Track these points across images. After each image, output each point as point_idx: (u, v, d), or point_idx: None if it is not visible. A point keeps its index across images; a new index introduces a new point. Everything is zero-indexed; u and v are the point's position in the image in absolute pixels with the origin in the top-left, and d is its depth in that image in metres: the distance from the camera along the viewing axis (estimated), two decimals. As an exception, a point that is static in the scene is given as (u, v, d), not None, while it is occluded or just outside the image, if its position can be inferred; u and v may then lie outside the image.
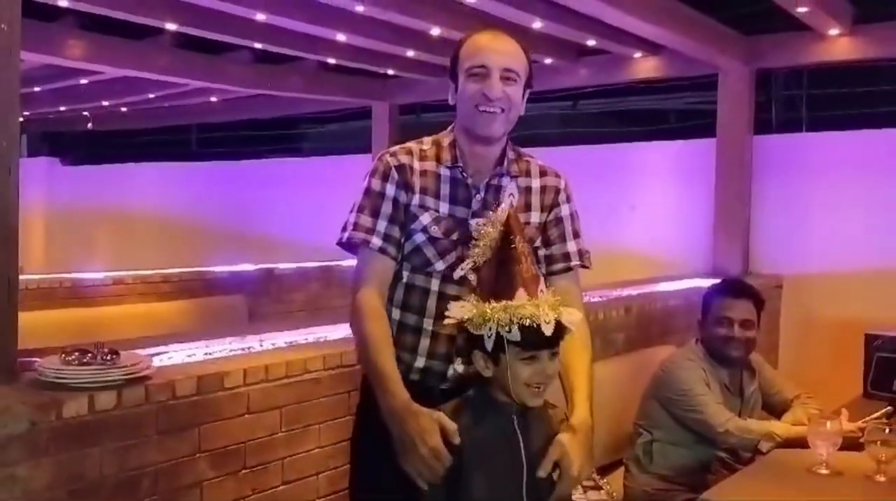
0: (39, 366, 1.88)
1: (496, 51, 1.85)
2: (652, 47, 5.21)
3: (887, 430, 2.29)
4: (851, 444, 2.38)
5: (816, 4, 4.31)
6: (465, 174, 1.86)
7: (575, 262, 1.93)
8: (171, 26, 4.88)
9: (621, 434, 3.09)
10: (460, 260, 1.82)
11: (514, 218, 1.72)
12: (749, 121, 5.21)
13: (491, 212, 1.81)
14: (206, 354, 2.32)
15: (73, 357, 1.89)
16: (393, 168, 1.86)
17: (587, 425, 1.75)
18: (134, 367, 1.91)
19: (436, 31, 4.76)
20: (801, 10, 4.31)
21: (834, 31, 4.74)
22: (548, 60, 5.59)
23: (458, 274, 1.81)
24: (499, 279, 1.65)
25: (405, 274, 1.85)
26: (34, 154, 10.02)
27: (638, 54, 5.41)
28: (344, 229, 1.87)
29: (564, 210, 1.95)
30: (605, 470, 3.10)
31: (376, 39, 5.07)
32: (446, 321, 1.71)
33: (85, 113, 8.34)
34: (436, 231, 1.83)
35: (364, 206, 1.86)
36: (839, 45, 4.84)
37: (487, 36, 1.89)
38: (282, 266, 6.15)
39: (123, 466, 1.88)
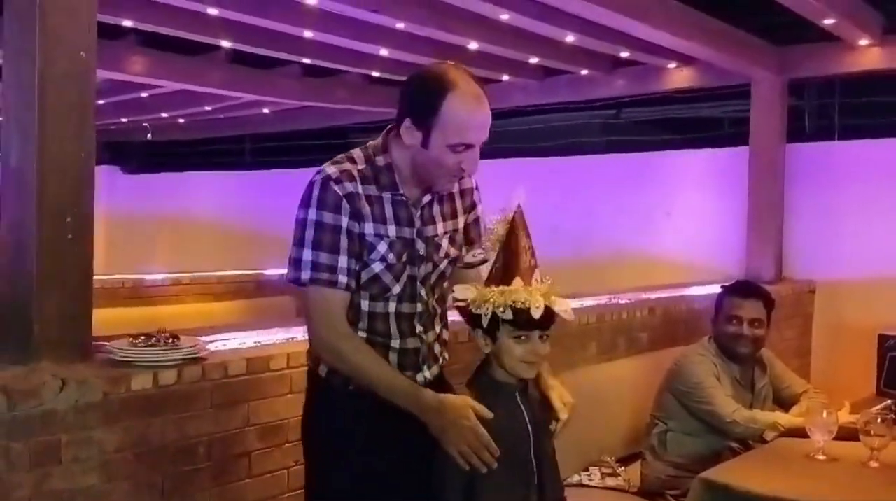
0: (110, 347, 2.16)
1: (482, 126, 1.83)
2: (685, 58, 5.33)
3: (880, 420, 2.45)
4: (851, 436, 2.53)
5: (844, 16, 4.41)
6: (405, 197, 1.89)
7: (487, 243, 1.96)
8: (225, 44, 5.21)
9: (641, 427, 3.27)
10: (410, 278, 1.90)
11: (520, 216, 1.88)
12: (781, 130, 5.30)
13: (495, 217, 1.91)
14: (255, 342, 2.58)
15: (140, 340, 2.17)
16: (343, 198, 1.81)
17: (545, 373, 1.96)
18: (192, 349, 2.19)
19: (473, 46, 4.98)
20: (829, 21, 4.43)
21: (864, 42, 4.83)
22: (583, 71, 5.78)
23: (468, 259, 1.99)
24: (503, 271, 1.86)
25: (364, 302, 1.88)
26: (96, 163, 10.47)
27: (672, 65, 5.53)
28: (298, 267, 1.83)
29: (479, 209, 2.06)
30: (626, 460, 3.29)
31: (417, 54, 5.32)
32: (452, 302, 1.91)
33: (145, 124, 8.77)
34: (392, 258, 1.87)
35: (320, 242, 1.81)
36: (870, 54, 4.91)
37: (471, 103, 1.81)
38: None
39: (182, 434, 2.14)
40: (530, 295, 1.80)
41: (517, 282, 1.81)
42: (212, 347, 2.36)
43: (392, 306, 1.91)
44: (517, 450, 1.87)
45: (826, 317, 5.23)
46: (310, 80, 6.54)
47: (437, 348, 2.04)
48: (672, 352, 3.63)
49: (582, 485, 3.04)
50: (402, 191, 1.89)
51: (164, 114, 7.76)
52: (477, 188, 2.08)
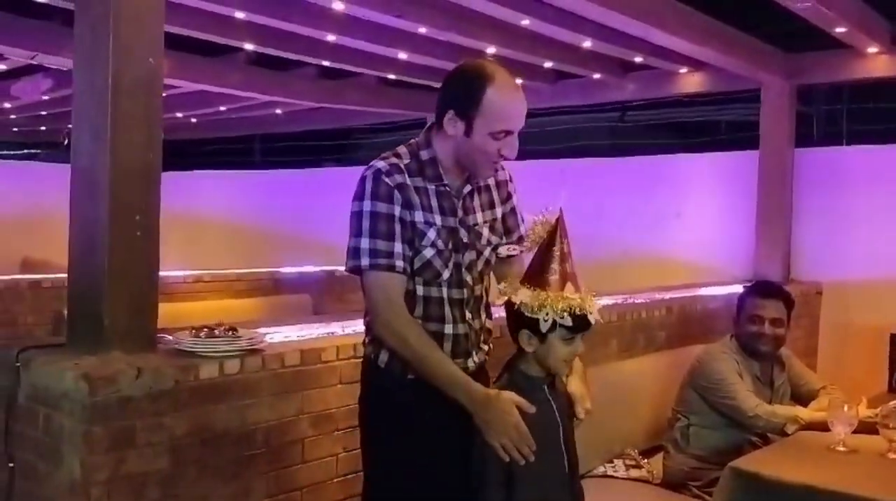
0: (174, 338, 2.28)
1: (521, 114, 1.97)
2: (696, 63, 5.44)
3: (900, 413, 2.58)
4: (869, 430, 2.66)
5: (854, 25, 4.54)
6: (448, 187, 2.02)
7: (527, 243, 2.09)
8: (248, 46, 5.31)
9: (662, 421, 3.38)
10: (456, 265, 2.01)
11: (562, 221, 1.99)
12: (790, 135, 5.42)
13: (535, 217, 2.04)
14: (298, 336, 2.69)
15: (203, 332, 2.29)
16: (395, 189, 1.94)
17: (580, 367, 2.11)
18: (252, 340, 2.31)
19: (491, 50, 5.09)
20: (840, 29, 4.56)
21: (873, 49, 4.95)
22: (596, 76, 5.89)
23: (503, 251, 2.11)
24: (539, 273, 1.96)
25: (419, 288, 1.99)
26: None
27: (683, 70, 5.64)
28: (357, 256, 1.94)
29: (515, 199, 2.18)
30: (647, 453, 3.41)
31: (433, 57, 5.42)
32: (498, 301, 2.03)
33: (158, 124, 8.84)
34: (440, 244, 1.98)
35: (376, 231, 1.92)
36: (878, 62, 5.03)
37: (510, 92, 1.95)
38: (342, 268, 6.52)
39: (243, 421, 2.26)
40: (584, 301, 1.92)
41: (569, 288, 1.93)
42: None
43: (445, 291, 2.02)
44: (549, 441, 1.99)
45: (833, 318, 5.35)
46: (324, 82, 6.64)
47: (483, 336, 2.15)
48: (689, 350, 3.74)
49: (607, 476, 3.16)
50: (445, 182, 2.01)
51: (178, 115, 7.85)
52: (511, 180, 2.21)
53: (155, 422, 2.07)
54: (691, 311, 4.28)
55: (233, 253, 8.35)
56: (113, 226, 2.18)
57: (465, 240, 2.05)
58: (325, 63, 5.78)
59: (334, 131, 8.72)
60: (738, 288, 3.43)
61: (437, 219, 1.99)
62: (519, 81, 2.12)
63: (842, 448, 2.59)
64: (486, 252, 2.12)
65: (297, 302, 5.89)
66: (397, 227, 1.95)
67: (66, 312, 2.30)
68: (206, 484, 2.20)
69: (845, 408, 2.63)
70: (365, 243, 1.94)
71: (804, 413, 3.00)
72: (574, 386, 2.06)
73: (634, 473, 3.24)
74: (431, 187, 2.00)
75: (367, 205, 1.95)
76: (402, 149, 2.03)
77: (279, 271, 6.22)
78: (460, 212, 2.04)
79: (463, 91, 1.96)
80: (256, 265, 6.50)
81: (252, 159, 9.91)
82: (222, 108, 7.50)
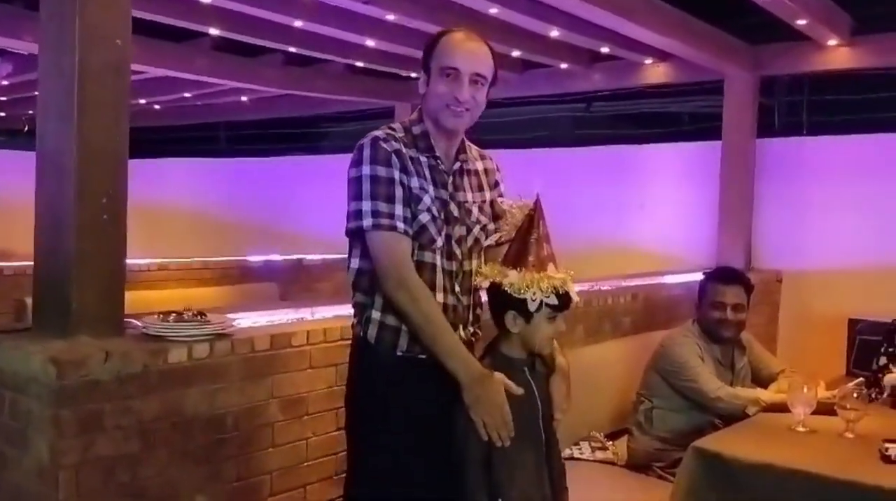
0: (142, 323, 2.27)
1: (468, 54, 2.02)
2: (662, 54, 5.52)
3: (856, 395, 2.66)
4: (827, 411, 2.73)
5: (815, 17, 4.63)
6: (439, 160, 2.08)
7: (506, 227, 2.15)
8: (214, 31, 5.25)
9: (627, 404, 3.44)
10: (447, 236, 2.06)
11: (540, 204, 2.03)
12: (753, 125, 5.51)
13: (507, 199, 2.12)
14: (268, 321, 2.69)
15: (171, 316, 2.28)
16: (393, 154, 1.99)
17: (565, 366, 2.13)
18: (221, 324, 2.31)
19: (461, 38, 5.11)
20: (801, 22, 4.65)
21: (833, 42, 5.05)
22: (563, 65, 5.94)
23: (487, 243, 2.14)
24: (517, 255, 2.00)
25: (415, 252, 2.02)
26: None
27: (648, 60, 5.71)
28: (359, 217, 1.97)
29: (502, 188, 2.24)
30: (613, 436, 3.47)
31: (403, 45, 5.41)
32: (483, 284, 2.05)
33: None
34: (435, 211, 2.03)
35: (377, 193, 1.96)
36: (838, 54, 5.14)
37: (461, 37, 2.05)
38: (309, 256, 6.55)
39: (213, 405, 2.27)
40: (566, 282, 1.96)
41: (552, 268, 1.97)
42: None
43: (438, 259, 2.06)
44: (528, 421, 2.03)
45: (792, 305, 5.47)
46: (292, 69, 6.59)
47: (470, 315, 2.16)
48: (653, 335, 3.81)
49: (573, 458, 3.21)
50: (437, 154, 2.07)
51: (142, 101, 7.74)
52: (499, 170, 2.27)
53: (124, 406, 2.06)
54: (655, 298, 4.35)
55: (198, 242, 8.27)
56: (79, 210, 2.16)
57: (456, 214, 2.09)
58: (292, 49, 5.74)
59: (301, 119, 8.66)
60: (700, 276, 3.49)
61: (431, 190, 2.05)
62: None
63: (801, 429, 2.67)
64: (476, 230, 2.15)
65: (264, 290, 5.85)
66: (398, 191, 1.99)
67: (28, 300, 2.28)
68: (175, 468, 2.20)
69: (804, 390, 2.70)
70: (366, 205, 1.97)
71: (765, 395, 3.07)
72: (554, 388, 2.09)
73: (600, 455, 3.30)
74: (424, 159, 2.06)
75: (366, 170, 1.99)
76: (395, 125, 2.10)
77: (246, 260, 6.18)
78: (451, 187, 2.09)
79: (426, 49, 2.08)
80: (223, 254, 6.44)
81: (217, 147, 9.80)
82: (187, 95, 7.42)
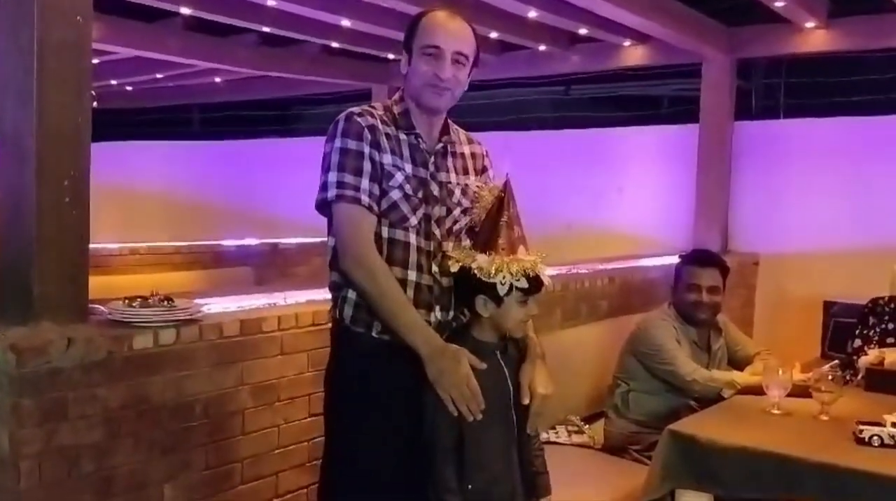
0: (107, 308, 2.21)
1: (450, 33, 2.01)
2: (640, 36, 5.49)
3: (831, 377, 2.66)
4: (802, 393, 2.74)
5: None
6: (420, 139, 2.06)
7: (476, 210, 2.12)
8: (185, 10, 5.15)
9: (603, 387, 3.44)
10: (426, 215, 2.03)
11: (509, 186, 2.00)
12: (730, 108, 5.50)
13: (476, 179, 2.09)
14: (238, 306, 2.64)
15: (137, 302, 2.22)
16: (365, 128, 1.98)
17: (538, 353, 2.09)
18: (189, 310, 2.25)
19: (437, 19, 5.04)
20: (779, 4, 4.64)
21: (810, 24, 5.04)
22: (542, 47, 5.88)
23: (456, 228, 2.09)
24: (487, 238, 1.97)
25: (384, 229, 1.99)
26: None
27: (627, 42, 5.68)
28: (325, 189, 1.96)
29: (490, 174, 2.21)
30: (589, 419, 3.47)
31: (380, 25, 5.34)
32: (453, 268, 2.01)
33: (92, 92, 8.54)
34: (408, 188, 2.00)
35: (344, 165, 1.95)
36: (815, 37, 5.13)
37: (443, 16, 2.03)
38: (285, 240, 6.47)
39: (181, 393, 2.21)
40: (536, 264, 1.93)
41: (522, 251, 1.93)
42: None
43: (412, 237, 2.02)
44: (499, 405, 1.99)
45: (768, 288, 5.49)
46: (266, 50, 6.49)
47: (449, 298, 2.10)
48: (630, 319, 3.80)
49: (550, 442, 3.19)
50: (418, 131, 2.05)
51: (113, 82, 7.60)
52: (487, 155, 2.24)
53: (88, 394, 2.01)
54: (632, 281, 4.34)
55: (170, 226, 8.16)
56: (40, 192, 2.09)
57: (436, 193, 2.06)
58: (266, 29, 5.65)
59: (276, 101, 8.55)
60: (677, 259, 3.48)
61: (408, 167, 2.02)
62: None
63: (776, 411, 2.67)
64: (457, 212, 2.11)
65: (238, 275, 5.78)
66: (366, 165, 1.97)
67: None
68: (142, 457, 2.15)
69: (780, 373, 2.70)
70: (332, 177, 1.97)
71: (740, 377, 3.07)
72: (523, 374, 2.04)
73: (577, 439, 3.29)
74: (403, 137, 2.04)
75: (336, 143, 1.99)
76: (376, 103, 2.10)
77: (219, 244, 6.09)
78: (432, 167, 2.07)
79: (408, 29, 2.06)
80: (196, 238, 6.35)
81: (190, 129, 9.67)
82: (159, 76, 7.29)
